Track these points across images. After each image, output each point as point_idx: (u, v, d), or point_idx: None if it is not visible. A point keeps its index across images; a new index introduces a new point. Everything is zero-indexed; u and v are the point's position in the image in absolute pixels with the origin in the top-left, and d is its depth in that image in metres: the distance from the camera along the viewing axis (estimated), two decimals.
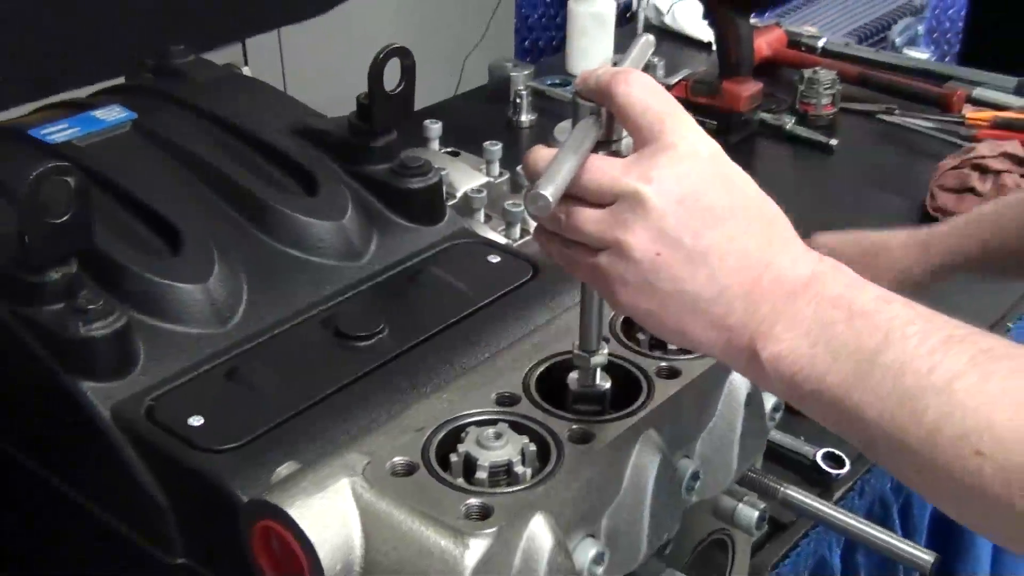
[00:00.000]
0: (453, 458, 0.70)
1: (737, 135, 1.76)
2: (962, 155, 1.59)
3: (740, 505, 0.88)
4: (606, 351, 0.76)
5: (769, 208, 0.65)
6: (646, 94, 0.65)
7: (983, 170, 1.55)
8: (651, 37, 0.73)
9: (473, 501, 0.67)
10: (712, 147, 0.65)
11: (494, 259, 0.98)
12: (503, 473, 0.69)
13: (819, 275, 0.63)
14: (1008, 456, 0.56)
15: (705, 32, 2.11)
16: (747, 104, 1.77)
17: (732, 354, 0.64)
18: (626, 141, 0.68)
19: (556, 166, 0.64)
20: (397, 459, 0.70)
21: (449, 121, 1.59)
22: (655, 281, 0.63)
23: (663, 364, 0.79)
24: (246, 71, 1.26)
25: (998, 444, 0.56)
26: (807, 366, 0.61)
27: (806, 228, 0.67)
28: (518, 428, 0.72)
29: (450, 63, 2.20)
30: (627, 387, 0.77)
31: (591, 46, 1.94)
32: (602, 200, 0.64)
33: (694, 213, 0.62)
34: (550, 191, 0.62)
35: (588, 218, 0.65)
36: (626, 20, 2.14)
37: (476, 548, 0.64)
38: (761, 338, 0.62)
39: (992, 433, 0.56)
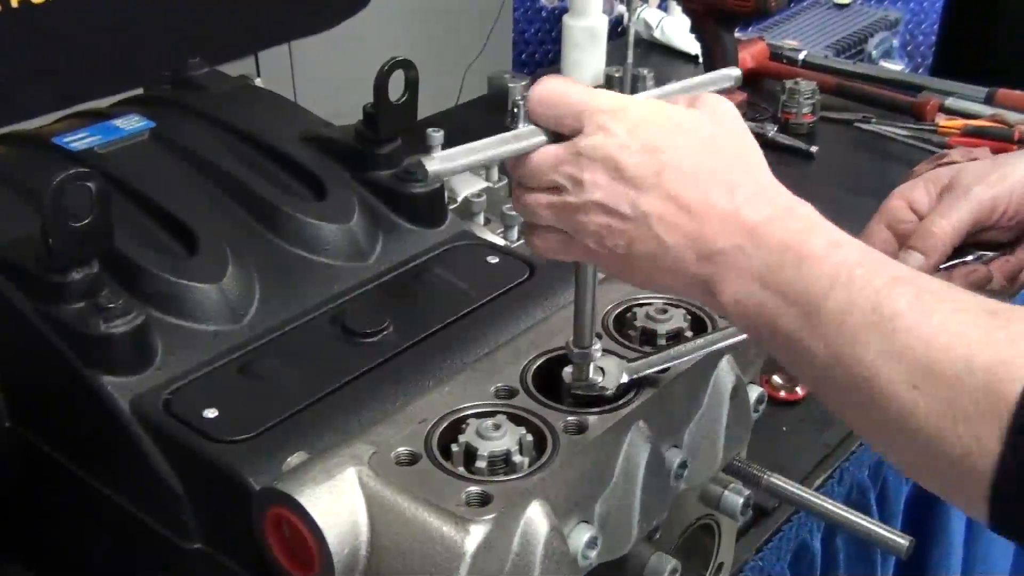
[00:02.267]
0: (454, 448, 0.70)
1: None
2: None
3: (726, 492, 0.88)
4: (598, 346, 0.76)
5: (707, 159, 0.64)
6: (560, 89, 0.65)
7: None
8: (738, 72, 0.73)
9: (473, 489, 0.66)
10: (633, 119, 0.64)
11: (493, 260, 0.98)
12: (502, 462, 0.69)
13: (769, 220, 0.62)
14: (942, 390, 0.54)
15: (692, 45, 2.10)
16: None
17: (698, 296, 0.65)
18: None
19: (461, 149, 0.65)
20: (401, 449, 0.70)
21: (450, 129, 1.59)
22: (614, 248, 0.64)
23: None
24: (258, 82, 1.25)
25: (933, 378, 0.55)
26: (760, 310, 0.61)
27: None
28: (516, 420, 0.72)
29: (451, 75, 2.19)
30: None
31: (584, 59, 1.93)
32: (549, 186, 0.66)
33: (624, 183, 0.63)
34: (432, 164, 0.63)
35: (545, 204, 0.66)
36: (617, 34, 2.13)
37: (476, 533, 0.64)
38: (717, 284, 0.62)
39: (929, 368, 0.55)
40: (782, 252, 0.60)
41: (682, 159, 0.63)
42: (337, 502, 0.67)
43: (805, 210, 0.63)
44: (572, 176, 0.64)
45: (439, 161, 0.64)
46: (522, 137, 0.66)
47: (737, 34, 1.82)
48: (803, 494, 0.89)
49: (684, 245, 0.62)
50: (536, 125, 0.66)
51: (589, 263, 0.70)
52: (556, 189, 0.65)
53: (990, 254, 0.86)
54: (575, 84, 0.66)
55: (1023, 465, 0.53)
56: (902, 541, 0.84)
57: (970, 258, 0.85)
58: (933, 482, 0.60)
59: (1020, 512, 0.55)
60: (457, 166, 0.65)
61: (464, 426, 0.71)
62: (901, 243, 0.85)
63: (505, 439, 0.70)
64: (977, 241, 0.85)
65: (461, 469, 0.69)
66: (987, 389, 0.54)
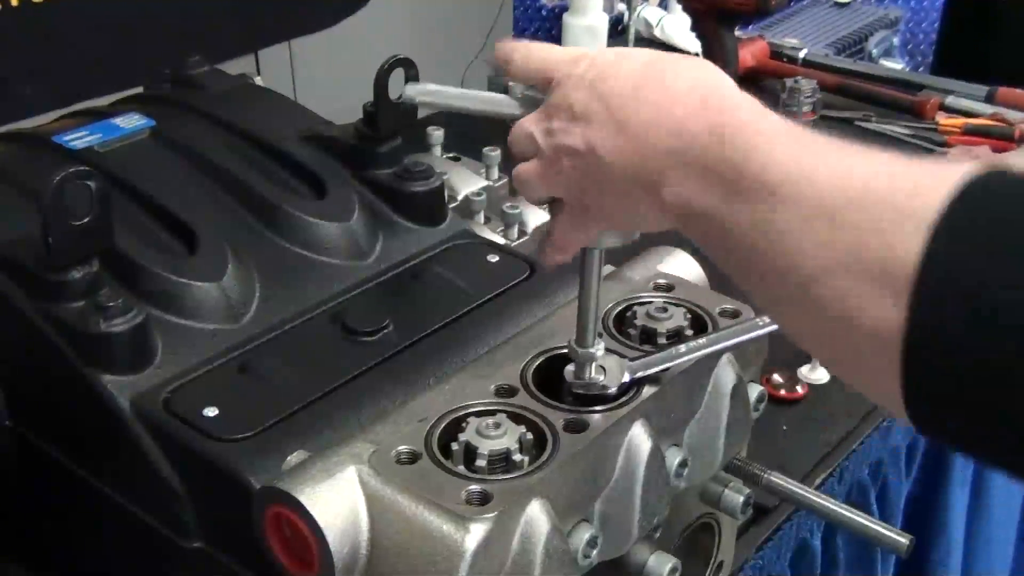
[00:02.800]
0: (454, 447, 0.70)
1: None
2: None
3: (726, 490, 0.88)
4: (600, 345, 0.76)
5: (647, 78, 0.64)
6: (531, 54, 0.70)
7: None
8: None
9: (473, 487, 0.66)
10: (585, 63, 0.67)
11: (493, 259, 0.98)
12: (502, 461, 0.69)
13: (699, 111, 0.61)
14: (856, 216, 0.52)
15: (693, 44, 2.10)
16: None
17: (666, 222, 0.64)
18: None
19: (445, 87, 0.75)
20: (401, 448, 0.69)
21: (450, 128, 1.59)
22: (596, 196, 0.67)
23: None
24: (258, 81, 1.25)
25: (847, 209, 0.52)
26: (694, 201, 0.60)
27: None
28: (516, 418, 0.72)
29: (451, 73, 2.19)
30: None
31: None
32: (533, 151, 0.69)
33: (576, 121, 0.66)
34: (409, 89, 0.76)
35: (533, 171, 0.69)
36: (618, 32, 2.13)
37: (476, 532, 0.64)
38: (660, 190, 0.62)
39: (845, 201, 0.53)
40: (708, 135, 0.60)
41: (624, 82, 0.64)
42: (337, 501, 0.67)
43: (739, 96, 0.62)
44: (545, 128, 0.67)
45: (415, 86, 0.77)
46: (508, 97, 0.72)
47: (737, 32, 1.82)
48: (803, 493, 0.89)
49: (631, 166, 0.63)
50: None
51: (598, 232, 0.71)
52: (538, 156, 0.68)
53: None
54: (536, 51, 0.70)
55: (945, 269, 0.49)
56: (902, 540, 0.84)
57: None
58: (842, 337, 0.55)
59: (937, 340, 0.50)
60: (435, 97, 0.76)
61: (464, 425, 0.71)
62: None
63: (505, 438, 0.70)
64: None
65: (461, 468, 0.69)
66: (906, 202, 0.50)
